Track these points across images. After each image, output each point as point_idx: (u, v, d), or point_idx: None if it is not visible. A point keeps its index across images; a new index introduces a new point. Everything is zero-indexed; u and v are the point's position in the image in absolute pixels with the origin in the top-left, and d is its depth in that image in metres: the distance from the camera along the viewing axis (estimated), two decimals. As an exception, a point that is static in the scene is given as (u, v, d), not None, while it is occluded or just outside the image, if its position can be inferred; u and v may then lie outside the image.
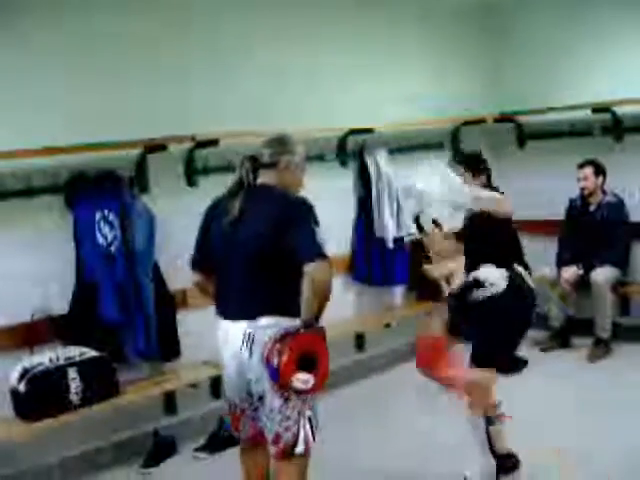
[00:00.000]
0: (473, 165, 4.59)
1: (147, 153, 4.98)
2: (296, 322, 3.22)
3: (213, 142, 5.20)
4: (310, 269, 3.15)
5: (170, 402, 5.21)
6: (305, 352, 3.17)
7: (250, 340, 3.27)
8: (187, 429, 5.21)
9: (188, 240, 5.02)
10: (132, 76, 5.02)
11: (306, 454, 3.34)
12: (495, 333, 4.07)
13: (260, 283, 3.31)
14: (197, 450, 5.00)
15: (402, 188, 4.37)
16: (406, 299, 6.77)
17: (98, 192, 4.76)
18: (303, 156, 3.59)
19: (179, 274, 5.14)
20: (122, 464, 4.90)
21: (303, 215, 3.32)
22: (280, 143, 3.53)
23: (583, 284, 6.42)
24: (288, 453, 3.30)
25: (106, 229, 4.76)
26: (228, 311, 3.39)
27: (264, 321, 3.26)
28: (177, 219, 5.10)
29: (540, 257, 6.66)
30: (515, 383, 5.54)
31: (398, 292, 6.72)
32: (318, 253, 3.19)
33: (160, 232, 4.97)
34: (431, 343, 4.33)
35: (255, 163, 3.47)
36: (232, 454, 4.91)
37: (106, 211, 4.77)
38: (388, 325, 6.46)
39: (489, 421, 4.19)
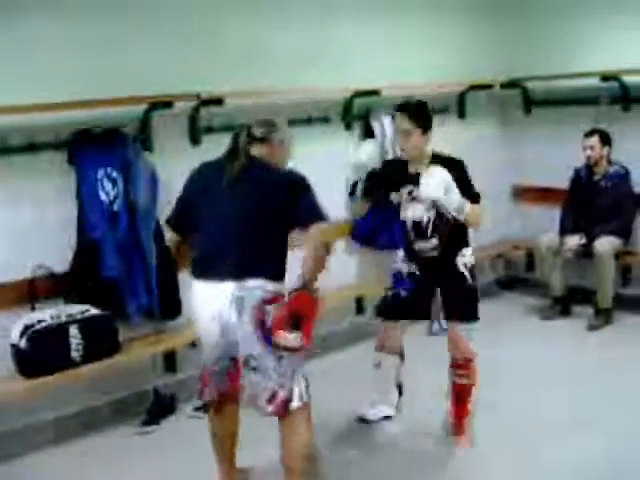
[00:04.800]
0: (424, 119, 4.24)
1: (151, 110, 4.93)
2: (282, 286, 3.39)
3: (218, 101, 5.16)
4: (313, 232, 3.35)
5: (170, 361, 5.22)
6: (296, 311, 3.30)
7: (238, 301, 3.34)
8: (187, 388, 5.21)
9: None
10: (137, 32, 4.95)
11: (305, 409, 3.44)
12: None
13: (252, 247, 3.40)
14: (196, 409, 5.00)
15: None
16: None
17: (101, 149, 4.72)
18: (290, 137, 3.76)
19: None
20: (121, 422, 4.91)
21: (303, 184, 3.50)
22: (270, 124, 3.69)
23: (585, 253, 6.40)
24: (284, 409, 3.40)
25: (109, 186, 4.74)
26: (213, 273, 3.43)
27: (252, 283, 3.34)
28: (180, 177, 5.03)
29: (543, 225, 6.69)
30: (513, 351, 5.56)
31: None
32: (321, 216, 3.41)
33: (163, 190, 4.94)
34: None
35: (251, 136, 3.60)
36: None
37: (109, 168, 4.74)
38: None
39: (402, 360, 4.67)
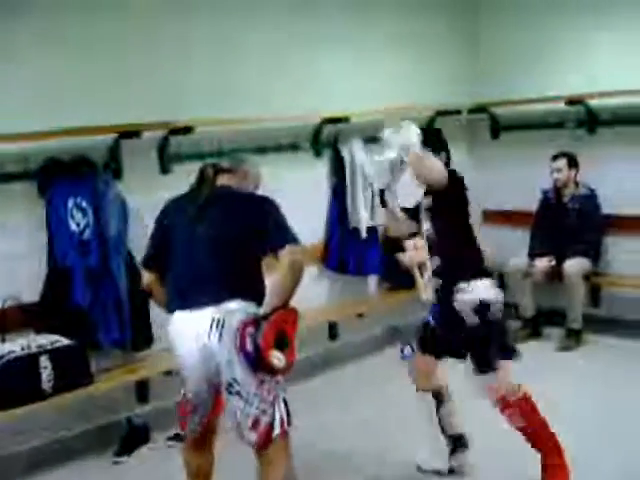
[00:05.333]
0: (433, 141, 4.13)
1: (121, 139, 4.94)
2: (260, 309, 3.34)
3: (187, 129, 5.18)
4: (288, 253, 3.31)
5: (143, 390, 5.17)
6: (280, 332, 3.28)
7: (220, 324, 3.30)
8: (160, 418, 5.18)
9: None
10: (106, 61, 4.96)
11: (284, 437, 3.41)
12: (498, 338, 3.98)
13: (228, 269, 3.39)
14: (170, 439, 4.98)
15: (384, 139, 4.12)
16: (379, 289, 6.78)
17: (71, 178, 4.72)
18: (258, 171, 3.81)
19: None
20: (95, 453, 4.87)
21: (272, 207, 3.49)
22: (235, 156, 3.90)
23: (555, 275, 6.46)
24: (268, 436, 3.35)
25: (79, 216, 4.73)
26: (191, 301, 3.39)
27: (233, 305, 3.32)
28: (150, 206, 5.04)
29: (512, 248, 6.74)
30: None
31: (372, 282, 6.73)
32: (294, 238, 3.38)
33: (133, 219, 4.94)
34: None
35: (216, 168, 3.67)
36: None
37: (79, 198, 4.73)
38: (361, 315, 6.47)
39: (440, 402, 4.21)
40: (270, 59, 5.86)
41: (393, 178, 3.94)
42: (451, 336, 4.01)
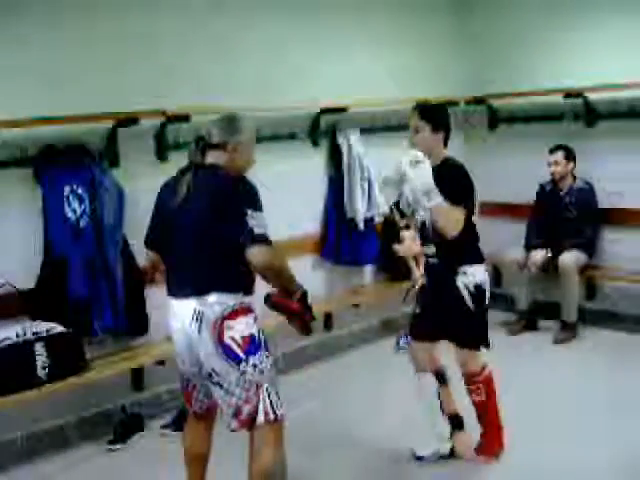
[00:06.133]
0: (434, 116, 4.06)
1: (118, 127, 4.93)
2: (246, 298, 3.37)
3: (184, 117, 5.16)
4: (249, 255, 3.22)
5: (137, 378, 5.18)
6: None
7: (199, 317, 3.31)
8: (154, 406, 5.19)
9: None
10: (104, 48, 4.94)
11: (273, 422, 3.37)
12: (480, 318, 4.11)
13: (207, 261, 3.34)
14: (164, 427, 4.98)
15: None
16: (375, 279, 6.78)
17: (67, 166, 4.70)
18: (252, 135, 3.57)
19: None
20: (89, 440, 4.87)
21: (248, 198, 3.31)
22: (229, 123, 3.51)
23: (551, 267, 6.47)
24: (249, 426, 3.36)
25: (75, 203, 4.71)
26: (177, 290, 3.41)
27: (212, 298, 3.30)
28: (147, 194, 5.02)
29: (509, 240, 6.74)
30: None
31: (367, 272, 6.73)
32: (255, 238, 3.22)
33: (130, 207, 4.93)
34: None
35: (204, 143, 3.47)
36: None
37: (75, 185, 4.72)
38: (357, 305, 6.47)
39: (440, 382, 4.32)
40: (269, 49, 5.84)
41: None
42: (438, 318, 4.14)
